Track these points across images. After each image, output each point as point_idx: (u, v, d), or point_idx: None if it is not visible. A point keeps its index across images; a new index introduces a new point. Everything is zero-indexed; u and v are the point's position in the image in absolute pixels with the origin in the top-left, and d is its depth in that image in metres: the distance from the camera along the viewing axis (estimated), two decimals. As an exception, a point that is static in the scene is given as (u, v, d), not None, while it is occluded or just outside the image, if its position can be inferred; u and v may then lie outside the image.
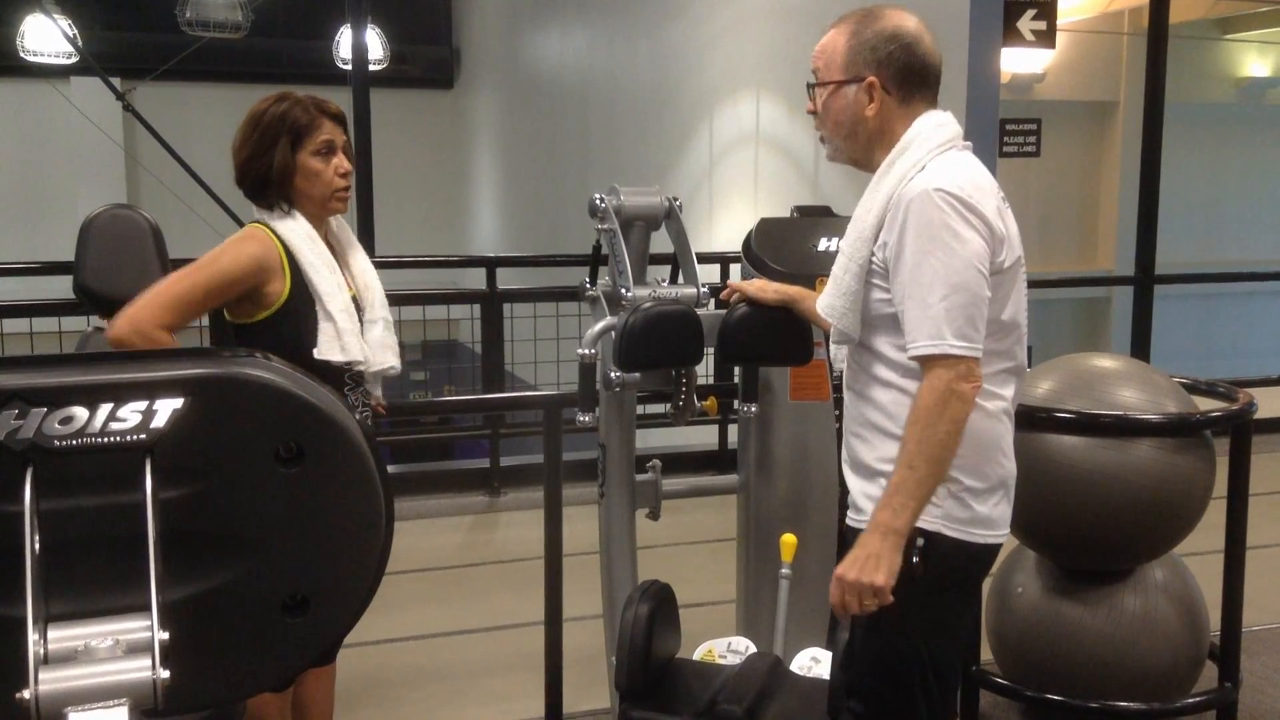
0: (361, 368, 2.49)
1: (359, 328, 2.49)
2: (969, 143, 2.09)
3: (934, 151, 2.00)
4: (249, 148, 2.46)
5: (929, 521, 1.99)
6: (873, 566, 1.91)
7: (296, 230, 2.45)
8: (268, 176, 2.45)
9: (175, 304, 2.36)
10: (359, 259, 2.62)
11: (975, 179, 1.97)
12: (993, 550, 2.08)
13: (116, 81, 10.25)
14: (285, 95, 2.50)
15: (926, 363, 1.91)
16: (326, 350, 2.41)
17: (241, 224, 2.56)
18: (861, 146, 2.11)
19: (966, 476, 2.00)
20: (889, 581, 1.91)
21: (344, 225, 2.64)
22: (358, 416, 2.48)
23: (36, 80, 12.61)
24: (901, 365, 2.00)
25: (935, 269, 1.90)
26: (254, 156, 2.45)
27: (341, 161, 2.50)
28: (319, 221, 2.53)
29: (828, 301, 2.11)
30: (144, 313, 2.35)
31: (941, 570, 2.01)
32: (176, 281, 2.39)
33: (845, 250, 2.08)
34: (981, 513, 2.02)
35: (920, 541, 1.98)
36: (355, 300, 2.53)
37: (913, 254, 1.92)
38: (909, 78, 2.06)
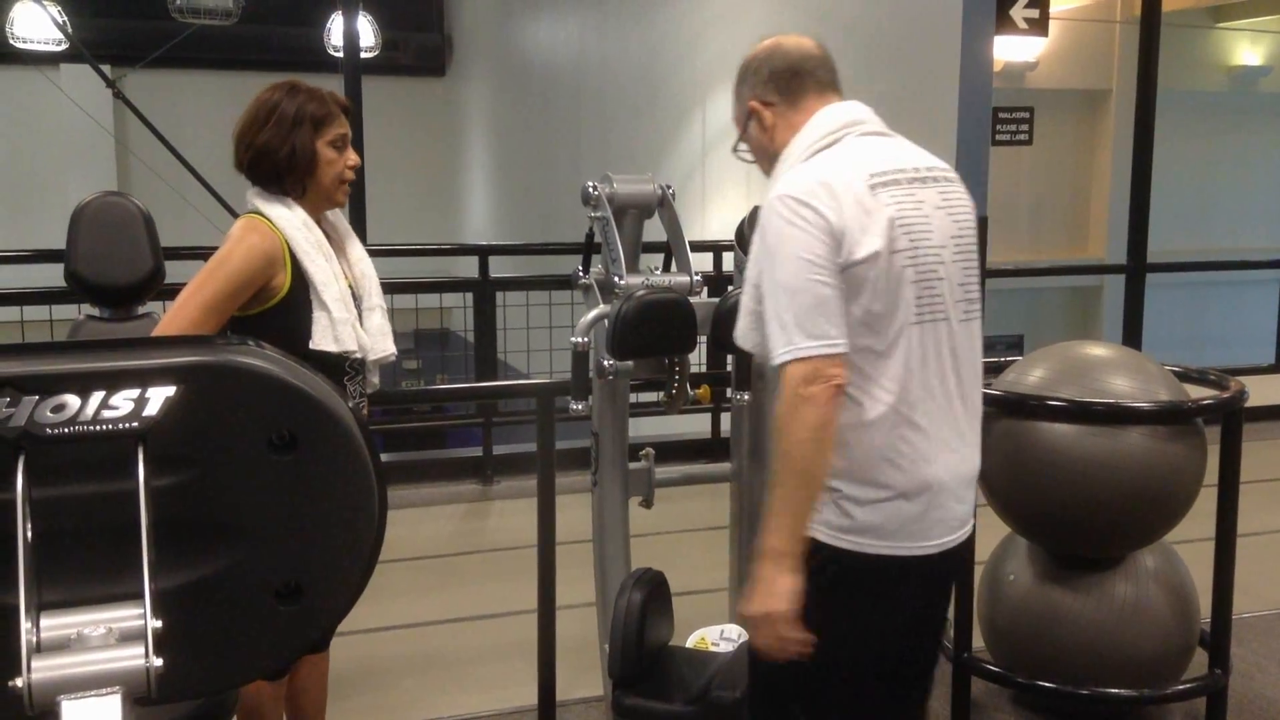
0: (359, 356, 2.49)
1: (354, 317, 2.48)
2: (862, 128, 2.02)
3: (800, 158, 1.99)
4: (266, 134, 2.44)
5: (828, 533, 1.94)
6: (765, 593, 1.88)
7: (292, 219, 2.44)
8: (287, 164, 2.44)
9: (199, 320, 2.34)
10: (355, 248, 2.62)
11: (825, 175, 1.91)
12: (895, 562, 1.94)
13: (107, 69, 10.21)
14: (296, 86, 2.49)
15: (783, 370, 1.86)
16: (321, 340, 2.40)
17: (233, 211, 2.56)
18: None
19: (844, 484, 1.91)
20: (787, 603, 1.87)
21: (339, 215, 2.64)
22: (352, 405, 2.48)
23: (26, 67, 12.55)
24: None
25: (778, 277, 1.87)
26: (273, 143, 2.43)
27: (352, 155, 2.52)
28: (318, 211, 2.53)
29: (737, 326, 2.06)
30: (170, 333, 2.34)
31: (825, 576, 1.92)
32: (195, 293, 2.36)
33: (745, 271, 2.07)
34: (869, 521, 1.92)
35: (821, 556, 1.93)
36: (352, 289, 2.53)
37: (764, 266, 1.91)
38: (779, 78, 2.06)
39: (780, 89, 2.06)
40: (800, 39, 2.11)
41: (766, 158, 2.11)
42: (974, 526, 2.12)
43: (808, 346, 1.83)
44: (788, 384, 1.84)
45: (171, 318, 2.37)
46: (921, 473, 1.93)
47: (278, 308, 2.41)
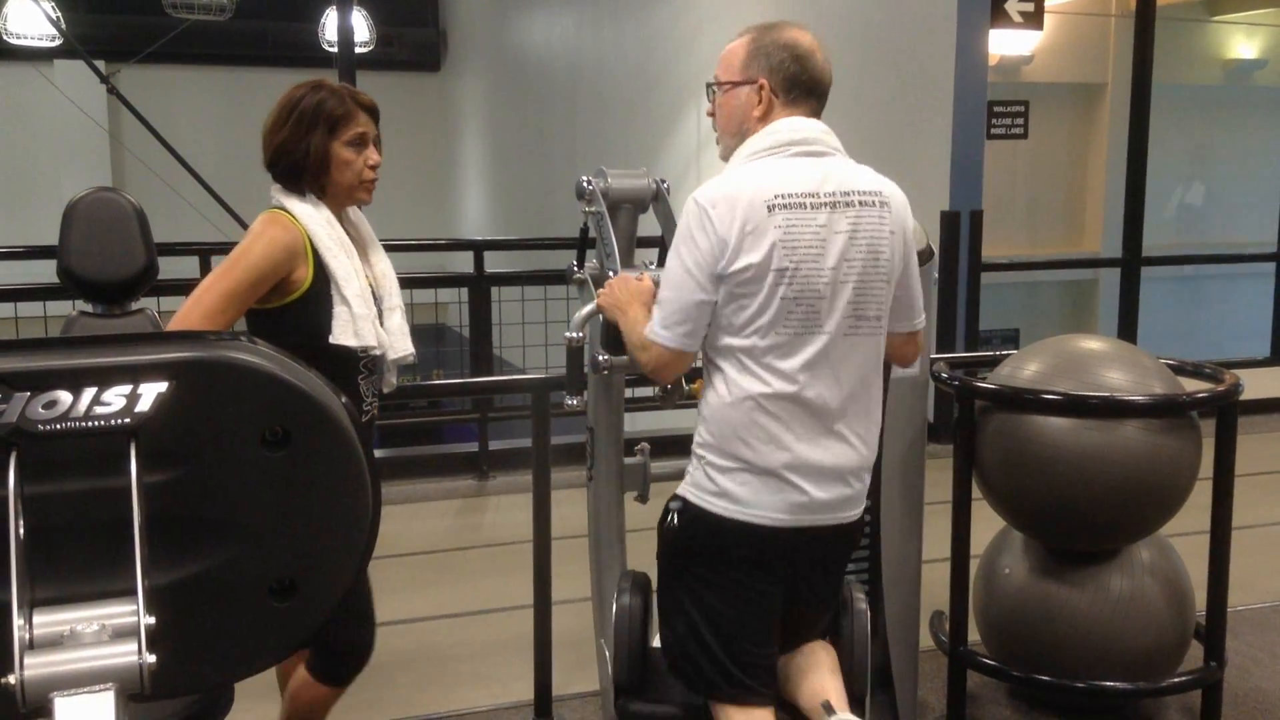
0: (377, 353, 2.49)
1: (374, 314, 2.49)
2: (803, 148, 2.21)
3: (740, 162, 2.23)
4: (284, 133, 2.45)
5: (684, 489, 2.30)
6: (611, 301, 2.42)
7: (315, 216, 2.45)
8: (303, 163, 2.45)
9: (219, 308, 2.36)
10: (375, 248, 2.64)
11: (733, 190, 2.16)
12: (742, 526, 2.21)
13: (100, 64, 10.18)
14: (321, 84, 2.50)
15: (648, 340, 2.24)
16: (340, 335, 2.41)
17: (227, 206, 2.57)
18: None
19: (708, 452, 2.24)
20: (608, 302, 2.45)
21: (361, 216, 2.65)
22: (368, 405, 2.48)
23: (20, 63, 12.53)
24: (710, 361, 2.25)
25: (672, 267, 2.20)
26: (290, 142, 2.45)
27: (372, 154, 2.52)
28: (339, 209, 2.54)
29: None
30: (188, 324, 2.35)
31: (691, 533, 2.27)
32: (215, 283, 2.37)
33: None
34: (725, 487, 2.22)
35: (678, 505, 2.30)
36: (373, 289, 2.53)
37: (672, 249, 2.23)
38: (796, 86, 2.25)
39: (787, 91, 2.25)
40: (825, 60, 2.29)
41: (734, 133, 2.30)
42: (858, 516, 2.32)
43: (664, 336, 2.21)
44: (649, 355, 2.24)
45: (190, 308, 2.37)
46: (769, 456, 2.19)
47: (299, 302, 2.41)
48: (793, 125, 2.23)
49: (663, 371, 2.27)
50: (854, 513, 2.31)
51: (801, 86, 2.25)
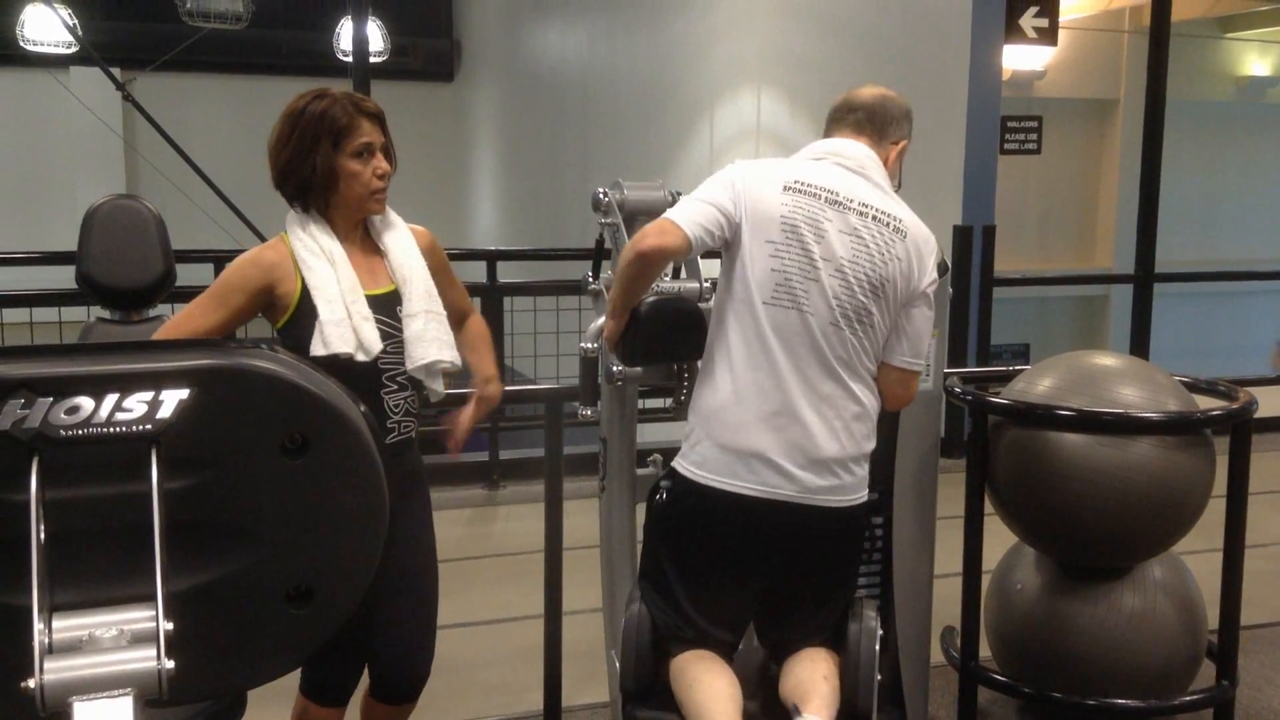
0: (361, 359, 2.36)
1: (358, 318, 2.37)
2: (838, 159, 2.47)
3: (799, 155, 2.55)
4: (290, 150, 2.39)
5: (676, 460, 2.49)
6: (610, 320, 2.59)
7: (299, 231, 2.42)
8: (310, 181, 2.39)
9: (185, 318, 2.40)
10: (400, 251, 2.53)
11: (767, 165, 2.47)
12: (705, 489, 2.39)
13: (116, 72, 10.24)
14: (323, 93, 2.42)
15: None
16: (313, 346, 2.33)
17: (241, 214, 2.59)
18: None
19: (691, 423, 2.47)
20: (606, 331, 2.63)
21: (387, 221, 2.56)
22: (393, 422, 2.45)
23: (36, 70, 12.61)
24: (711, 334, 2.49)
25: (692, 195, 2.46)
26: (294, 161, 2.39)
27: (380, 163, 2.44)
28: (352, 222, 2.48)
29: None
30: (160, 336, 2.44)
31: (671, 489, 2.49)
32: (191, 303, 2.43)
33: None
34: (694, 455, 2.43)
35: (667, 482, 2.51)
36: (397, 294, 2.47)
37: None
38: (830, 121, 2.62)
39: (826, 128, 2.62)
40: (870, 91, 2.61)
41: None
42: (841, 504, 2.40)
43: (669, 214, 2.40)
44: (645, 229, 2.41)
45: (164, 326, 2.46)
46: (723, 433, 2.38)
47: (292, 318, 2.39)
48: (829, 141, 2.54)
49: (650, 236, 2.36)
50: (835, 499, 2.39)
51: (832, 119, 2.59)
